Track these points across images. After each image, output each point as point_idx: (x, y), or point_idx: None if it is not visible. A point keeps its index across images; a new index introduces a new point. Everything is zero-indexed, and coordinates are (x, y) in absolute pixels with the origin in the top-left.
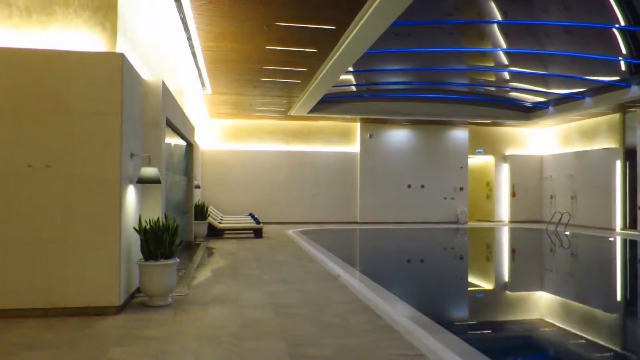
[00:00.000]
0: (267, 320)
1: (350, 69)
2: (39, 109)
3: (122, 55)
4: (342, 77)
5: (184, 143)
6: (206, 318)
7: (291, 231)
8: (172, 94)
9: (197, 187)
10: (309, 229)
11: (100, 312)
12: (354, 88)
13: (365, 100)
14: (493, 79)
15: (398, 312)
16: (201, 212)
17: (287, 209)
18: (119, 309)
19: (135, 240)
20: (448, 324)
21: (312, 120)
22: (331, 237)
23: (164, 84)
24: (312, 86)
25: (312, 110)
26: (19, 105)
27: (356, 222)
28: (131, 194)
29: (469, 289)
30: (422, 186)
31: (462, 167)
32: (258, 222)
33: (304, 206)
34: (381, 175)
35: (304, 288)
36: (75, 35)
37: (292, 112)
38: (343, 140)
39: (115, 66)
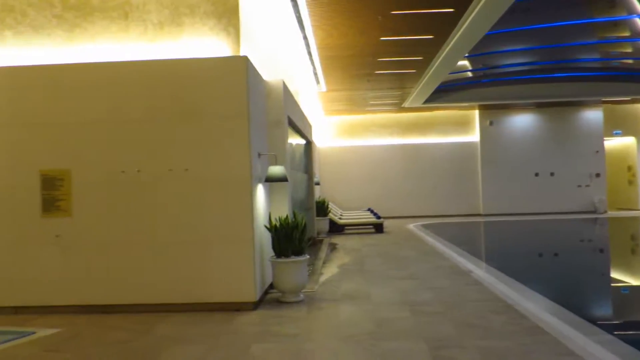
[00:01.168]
0: (402, 319)
1: (466, 53)
2: (173, 116)
3: (246, 58)
4: (458, 62)
5: (303, 141)
6: (340, 315)
7: (412, 225)
8: (291, 94)
9: (317, 184)
10: (430, 223)
11: (239, 307)
12: (470, 74)
13: (484, 85)
14: (629, 50)
15: (544, 311)
16: (322, 208)
17: (405, 203)
18: (256, 305)
19: (266, 237)
20: (602, 324)
21: (427, 111)
22: (455, 230)
23: (284, 83)
24: (427, 75)
25: (427, 101)
26: (155, 114)
27: (478, 215)
28: (260, 192)
29: (615, 285)
30: (552, 174)
31: (597, 151)
32: (378, 217)
33: (422, 199)
34: (505, 164)
35: (435, 285)
36: (202, 43)
37: (406, 104)
38: (461, 129)
39: (241, 69)
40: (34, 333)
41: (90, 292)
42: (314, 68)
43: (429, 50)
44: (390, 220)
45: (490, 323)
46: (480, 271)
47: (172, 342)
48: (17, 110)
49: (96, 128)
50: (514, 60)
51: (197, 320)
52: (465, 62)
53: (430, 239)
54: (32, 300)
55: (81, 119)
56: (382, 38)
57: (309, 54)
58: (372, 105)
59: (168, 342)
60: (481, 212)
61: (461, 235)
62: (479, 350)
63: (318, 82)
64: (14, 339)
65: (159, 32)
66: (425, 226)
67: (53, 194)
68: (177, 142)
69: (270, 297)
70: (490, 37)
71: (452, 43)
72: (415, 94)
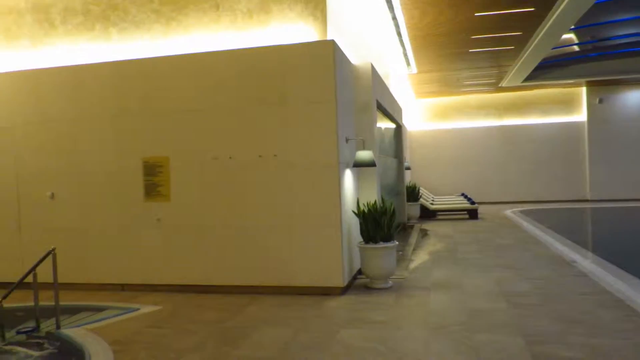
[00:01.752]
0: (498, 311)
1: (572, 25)
2: (262, 103)
3: (333, 42)
4: (563, 36)
5: (393, 125)
6: (430, 304)
7: (509, 211)
8: (380, 77)
9: (408, 168)
10: (529, 209)
11: (327, 292)
12: (576, 48)
13: (592, 60)
14: None
15: None
16: (412, 193)
17: (502, 188)
18: (344, 290)
19: (354, 223)
20: None
21: (526, 90)
22: (557, 217)
23: (372, 67)
24: (527, 51)
25: (527, 79)
26: (245, 102)
27: (585, 200)
28: (348, 178)
29: None
30: None
31: None
32: (473, 203)
33: (521, 184)
34: (616, 146)
35: (535, 275)
36: (290, 29)
37: (503, 83)
38: (565, 109)
39: (328, 53)
40: (138, 309)
41: (188, 273)
42: (404, 49)
43: (529, 24)
44: (486, 206)
45: (597, 319)
46: (586, 262)
47: (262, 323)
48: (122, 102)
49: (191, 117)
50: (627, 30)
51: (286, 303)
52: (570, 35)
53: (529, 226)
54: (136, 278)
55: (177, 109)
56: (476, 14)
57: (399, 34)
58: (466, 85)
59: (258, 323)
60: (588, 197)
61: (564, 222)
62: (583, 349)
63: (408, 63)
64: (121, 314)
65: (248, 20)
66: (524, 212)
67: (154, 179)
68: (266, 129)
69: (359, 283)
70: (600, 5)
71: (555, 14)
72: (513, 72)
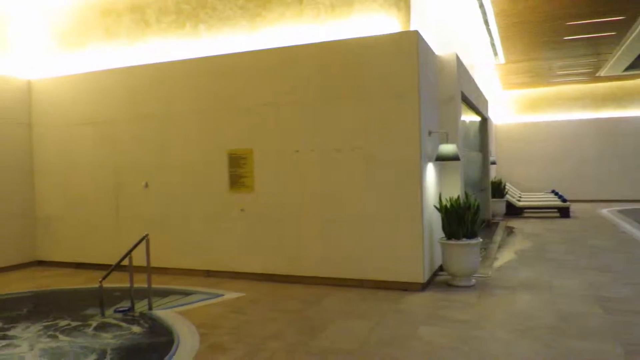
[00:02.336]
0: (591, 316)
1: None
2: (343, 96)
3: (416, 33)
4: None
5: (478, 118)
6: (515, 305)
7: (605, 210)
8: (465, 68)
9: (493, 163)
10: (629, 208)
11: (406, 287)
12: None
13: None
14: None
15: None
16: (498, 189)
17: (598, 185)
18: (424, 287)
19: (435, 218)
20: None
21: (628, 80)
22: None
23: (457, 57)
24: (630, 37)
25: (630, 67)
26: (327, 95)
27: None
28: (430, 172)
29: None
30: None
31: None
32: (564, 200)
33: (620, 181)
34: None
35: (635, 280)
36: (372, 20)
37: (602, 73)
38: None
39: (411, 44)
40: (222, 295)
41: (269, 262)
42: (491, 38)
43: (633, 7)
44: (579, 204)
45: None
46: None
47: (341, 315)
48: (209, 96)
49: (274, 110)
50: None
51: (364, 297)
52: None
53: (628, 227)
54: (221, 265)
55: (261, 102)
56: None
57: (486, 23)
58: (560, 76)
59: (336, 315)
60: None
61: None
62: None
63: (495, 53)
64: (207, 299)
65: (330, 13)
66: (623, 212)
67: (238, 171)
68: (346, 121)
69: (439, 280)
70: None
71: None
72: (613, 60)
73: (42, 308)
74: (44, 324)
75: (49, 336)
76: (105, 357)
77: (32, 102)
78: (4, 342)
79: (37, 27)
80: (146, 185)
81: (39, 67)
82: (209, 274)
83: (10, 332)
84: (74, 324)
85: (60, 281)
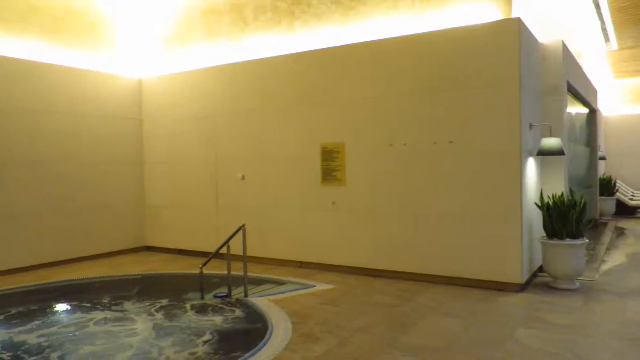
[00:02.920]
0: None
1: None
2: (438, 88)
3: (518, 20)
4: None
5: (585, 110)
6: (625, 312)
7: None
8: (572, 55)
9: (602, 158)
10: None
11: (502, 287)
12: None
13: None
14: None
15: None
16: (607, 187)
17: None
18: (522, 287)
19: (536, 216)
20: None
21: None
22: None
23: (563, 44)
24: None
25: None
26: (421, 87)
27: None
28: (531, 167)
29: None
30: None
31: None
32: None
33: None
34: None
35: None
36: (469, 9)
37: None
38: None
39: (512, 33)
40: (314, 286)
41: (360, 256)
42: (602, 23)
43: None
44: None
45: None
46: None
47: (432, 312)
48: (304, 91)
49: (367, 103)
50: None
51: (457, 295)
52: None
53: None
54: (312, 257)
55: (354, 96)
56: None
57: (597, 6)
58: None
59: (427, 312)
60: None
61: None
62: None
63: (607, 39)
64: (299, 289)
65: (426, 4)
66: None
67: (330, 164)
68: (442, 114)
69: (539, 281)
70: None
71: None
72: None
73: (150, 289)
74: (152, 303)
75: (156, 315)
76: (205, 338)
77: (142, 99)
78: (118, 317)
79: (145, 29)
80: (242, 177)
81: (147, 67)
82: (301, 265)
83: (123, 310)
84: (177, 305)
85: (165, 266)
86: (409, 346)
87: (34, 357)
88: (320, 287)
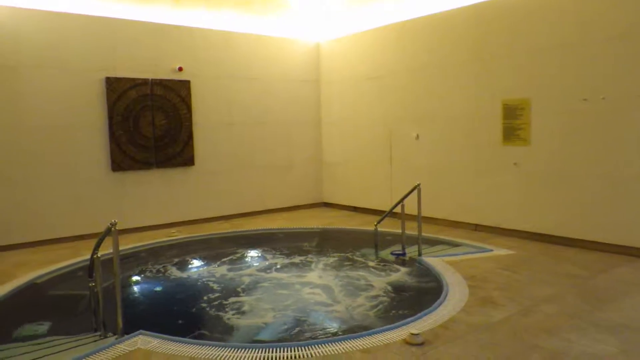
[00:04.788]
0: None
1: None
2: None
3: None
4: None
5: None
6: None
7: None
8: None
9: None
10: None
11: None
12: None
13: None
14: None
15: None
16: None
17: None
18: None
19: None
20: None
21: None
22: None
23: None
24: None
25: None
26: (628, 29)
27: None
28: None
29: None
30: None
31: None
32: None
33: None
34: None
35: None
36: None
37: None
38: None
39: None
40: (491, 250)
41: (544, 222)
42: None
43: None
44: None
45: None
46: None
47: (634, 288)
48: (481, 45)
49: (557, 53)
50: None
51: None
52: None
53: None
54: (489, 220)
55: (540, 45)
56: None
57: None
58: None
59: (628, 287)
60: None
61: None
62: None
63: None
64: (474, 253)
65: None
66: None
67: (513, 123)
68: None
69: None
70: None
71: None
72: None
73: (328, 242)
74: (329, 256)
75: (333, 267)
76: (380, 293)
77: (320, 61)
78: (298, 266)
79: None
80: (417, 137)
81: (324, 30)
82: (476, 228)
83: (304, 260)
84: (353, 258)
85: (341, 221)
86: (606, 323)
87: (227, 288)
88: (499, 252)
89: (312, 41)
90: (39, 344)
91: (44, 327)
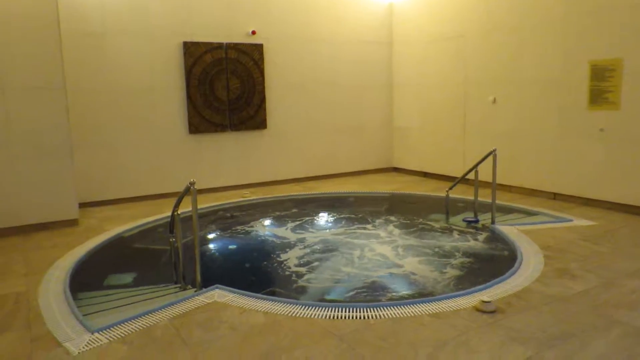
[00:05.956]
0: None
1: None
2: None
3: None
4: None
5: None
6: None
7: None
8: None
9: None
10: None
11: None
12: None
13: None
14: None
15: None
16: None
17: None
18: None
19: None
20: None
21: None
22: None
23: None
24: None
25: None
26: None
27: None
28: None
29: None
30: None
31: None
32: None
33: None
34: None
35: None
36: None
37: None
38: None
39: None
40: (571, 220)
41: (630, 192)
42: None
43: None
44: None
45: None
46: None
47: None
48: (570, 3)
49: None
50: None
51: None
52: None
53: None
54: (569, 189)
55: (634, 2)
56: None
57: None
58: None
59: None
60: None
61: None
62: None
63: None
64: (552, 222)
65: None
66: None
67: (601, 85)
68: None
69: None
70: None
71: None
72: None
73: (398, 207)
74: (399, 221)
75: (404, 231)
76: (452, 259)
77: (392, 22)
78: (370, 231)
79: None
80: (494, 101)
81: None
82: (555, 197)
83: (375, 225)
84: (424, 224)
85: (411, 187)
86: None
87: (298, 248)
88: (579, 222)
89: (385, 1)
90: (128, 291)
91: (130, 276)
